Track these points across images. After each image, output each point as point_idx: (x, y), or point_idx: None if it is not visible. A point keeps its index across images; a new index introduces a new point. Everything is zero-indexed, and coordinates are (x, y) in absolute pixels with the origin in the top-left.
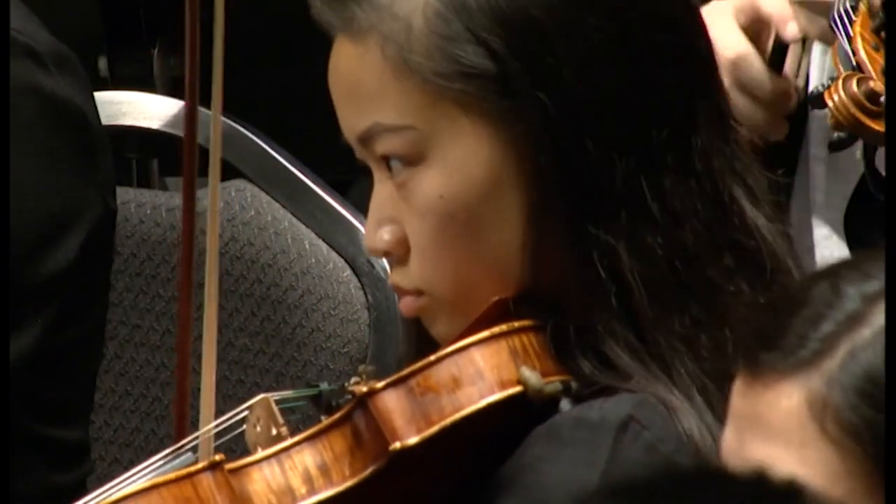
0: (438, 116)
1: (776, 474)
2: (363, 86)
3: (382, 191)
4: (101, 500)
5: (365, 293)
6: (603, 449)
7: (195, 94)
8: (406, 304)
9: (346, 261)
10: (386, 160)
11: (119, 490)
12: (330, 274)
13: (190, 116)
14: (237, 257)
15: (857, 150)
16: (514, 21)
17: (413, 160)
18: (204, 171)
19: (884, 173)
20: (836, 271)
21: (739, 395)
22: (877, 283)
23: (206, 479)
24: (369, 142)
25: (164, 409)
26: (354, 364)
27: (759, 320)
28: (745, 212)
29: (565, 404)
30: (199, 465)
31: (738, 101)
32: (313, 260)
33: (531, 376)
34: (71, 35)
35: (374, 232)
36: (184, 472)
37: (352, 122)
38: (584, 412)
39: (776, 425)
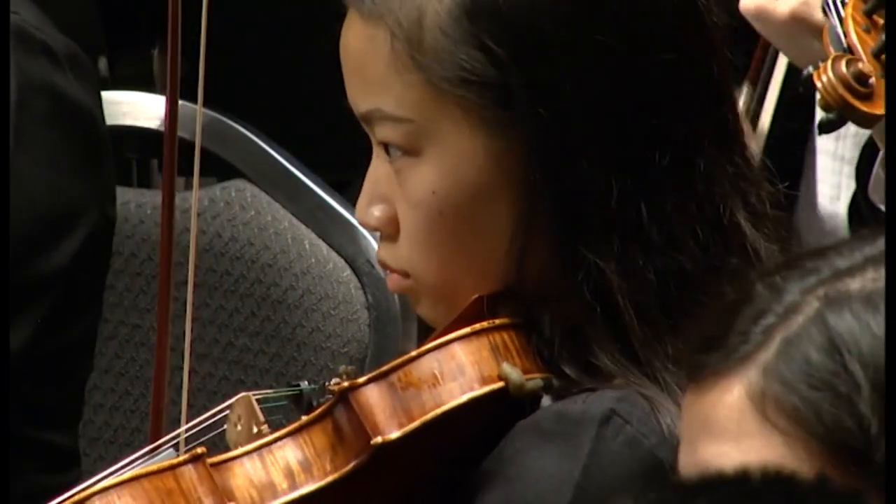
0: (439, 115)
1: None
2: (369, 69)
3: (379, 167)
4: (83, 494)
5: (365, 293)
6: (584, 443)
7: (175, 90)
8: (392, 282)
9: (346, 261)
10: (385, 143)
11: (101, 483)
12: (330, 274)
13: (171, 113)
14: (237, 257)
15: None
16: (522, 33)
17: (410, 151)
18: (205, 171)
19: (876, 202)
20: (777, 269)
21: (688, 408)
22: (814, 278)
23: (188, 472)
24: (370, 123)
25: (164, 409)
26: (354, 364)
27: (704, 329)
28: (745, 235)
29: (546, 401)
30: (182, 458)
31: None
32: (313, 260)
33: (512, 372)
34: (70, 35)
35: (366, 207)
36: (166, 464)
37: (356, 99)
38: (566, 406)
39: (721, 422)
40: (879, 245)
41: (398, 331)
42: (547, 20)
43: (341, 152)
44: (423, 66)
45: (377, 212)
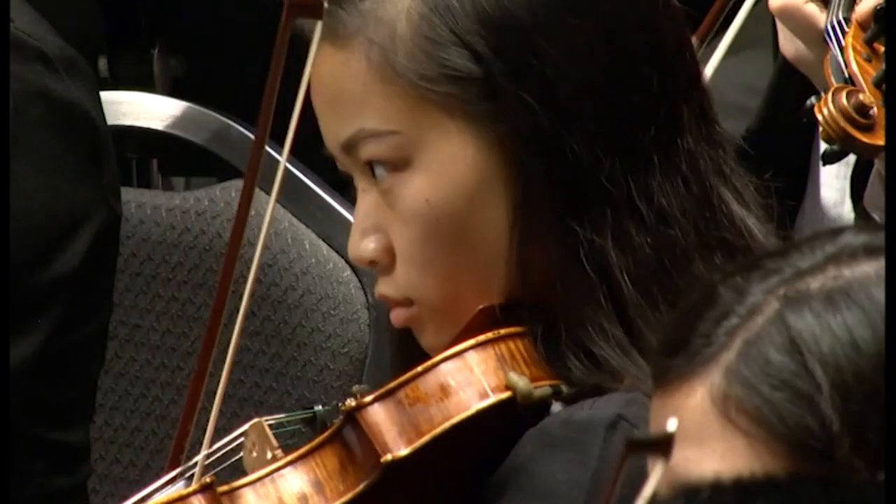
0: (423, 120)
1: None
2: (347, 92)
3: (367, 199)
4: None
5: (365, 293)
6: (593, 448)
7: (266, 128)
8: (396, 315)
9: (346, 261)
10: (370, 167)
11: None
12: (330, 274)
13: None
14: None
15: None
16: (497, 23)
17: (398, 165)
18: (202, 171)
19: (871, 212)
20: (739, 270)
21: (654, 411)
22: (776, 278)
23: (198, 502)
24: (354, 148)
25: (164, 408)
26: (354, 364)
27: (668, 332)
28: (733, 212)
29: (556, 408)
30: (191, 489)
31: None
32: (313, 260)
33: (519, 381)
34: (71, 35)
35: (359, 241)
36: (175, 495)
37: (336, 130)
38: (574, 413)
39: (685, 426)
40: (839, 243)
41: None
42: (521, 8)
43: None
44: (402, 71)
45: (371, 243)
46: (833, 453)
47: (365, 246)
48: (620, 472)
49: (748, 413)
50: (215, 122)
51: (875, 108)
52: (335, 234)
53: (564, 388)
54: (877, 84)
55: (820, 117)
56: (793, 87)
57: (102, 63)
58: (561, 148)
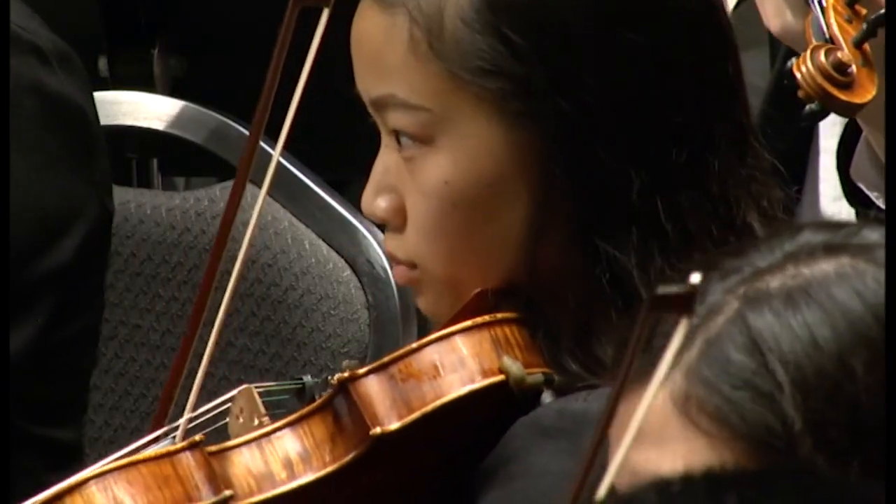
0: (455, 105)
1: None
2: (385, 57)
3: (388, 157)
4: (80, 478)
5: (365, 293)
6: (586, 440)
7: (260, 128)
8: (399, 273)
9: (346, 261)
10: (396, 131)
11: (99, 468)
12: (330, 274)
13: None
14: (237, 257)
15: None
16: (544, 25)
17: (423, 140)
18: (202, 171)
19: (858, 183)
20: (698, 270)
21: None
22: (735, 277)
23: (186, 459)
24: (382, 110)
25: None
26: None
27: (627, 330)
28: (756, 235)
29: (547, 396)
30: (179, 445)
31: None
32: (313, 260)
33: (512, 366)
34: (71, 35)
35: (373, 198)
36: (163, 450)
37: (368, 86)
38: (568, 404)
39: (646, 426)
40: (798, 241)
41: (398, 331)
42: (569, 12)
43: (340, 152)
44: (442, 55)
45: (384, 202)
46: (795, 451)
47: (378, 204)
48: (644, 331)
49: (709, 413)
50: (215, 121)
51: (854, 67)
52: (335, 234)
53: (557, 378)
54: (856, 44)
55: (798, 75)
56: (793, 84)
57: (102, 63)
58: (589, 159)
